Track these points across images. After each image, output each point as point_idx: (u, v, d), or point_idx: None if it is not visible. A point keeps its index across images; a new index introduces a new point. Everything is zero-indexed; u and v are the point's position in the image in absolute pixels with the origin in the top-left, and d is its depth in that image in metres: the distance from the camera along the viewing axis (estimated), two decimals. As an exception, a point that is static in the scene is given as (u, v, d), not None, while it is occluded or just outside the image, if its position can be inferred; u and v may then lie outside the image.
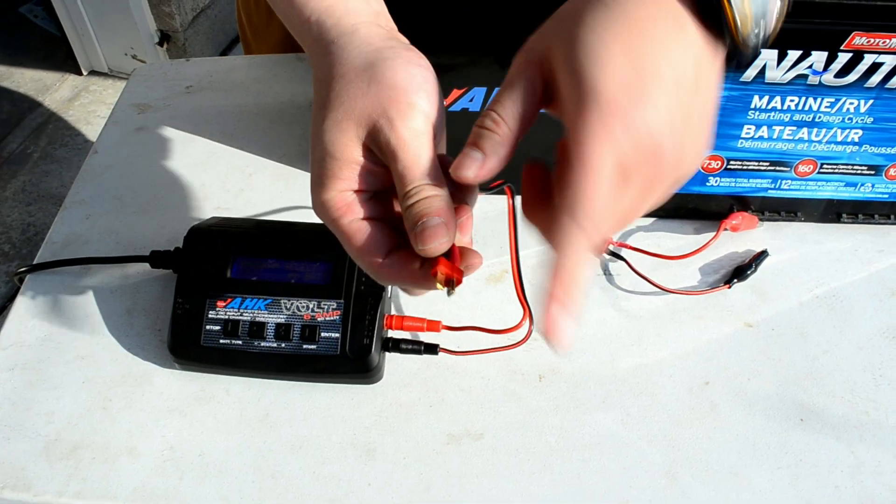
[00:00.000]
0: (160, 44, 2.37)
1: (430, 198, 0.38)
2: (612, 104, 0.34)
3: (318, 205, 0.41)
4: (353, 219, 0.40)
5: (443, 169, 0.40)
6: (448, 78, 0.66)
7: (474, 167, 0.38)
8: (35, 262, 0.69)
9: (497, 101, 0.39)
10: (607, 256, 0.70)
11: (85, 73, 2.54)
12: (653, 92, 0.34)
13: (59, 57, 2.57)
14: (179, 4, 2.30)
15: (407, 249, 0.41)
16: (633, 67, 0.34)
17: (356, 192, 0.41)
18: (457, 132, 0.71)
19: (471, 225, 0.42)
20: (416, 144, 0.39)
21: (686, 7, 0.36)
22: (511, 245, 0.53)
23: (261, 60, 0.94)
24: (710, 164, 0.68)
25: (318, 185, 0.40)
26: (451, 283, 0.39)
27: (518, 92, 0.39)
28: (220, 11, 2.52)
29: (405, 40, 0.44)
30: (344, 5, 0.44)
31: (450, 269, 0.39)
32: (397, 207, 0.42)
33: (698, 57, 0.36)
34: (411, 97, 0.39)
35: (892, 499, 0.54)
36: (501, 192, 0.45)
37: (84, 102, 2.44)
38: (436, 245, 0.38)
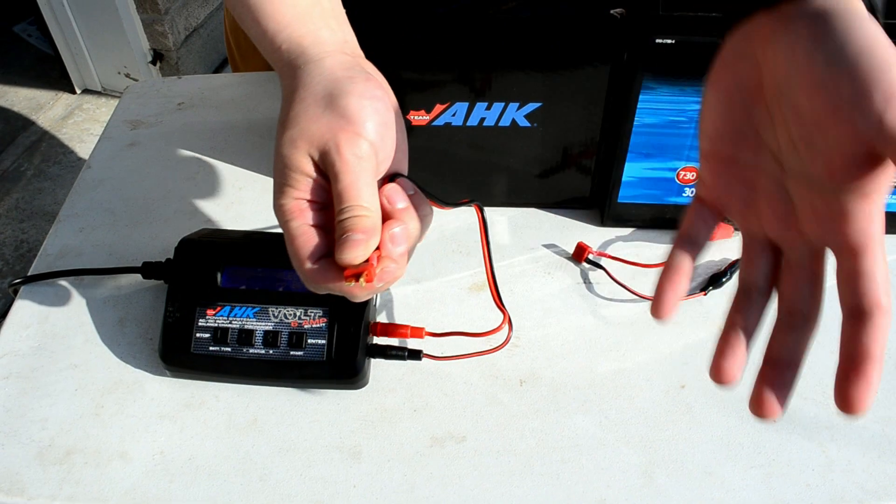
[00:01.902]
0: (153, 62, 2.39)
1: (358, 217, 0.43)
2: None
3: (276, 208, 0.46)
4: (301, 223, 0.45)
5: (403, 189, 0.47)
6: (432, 93, 0.69)
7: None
8: (29, 274, 0.70)
9: None
10: (587, 265, 0.72)
11: (78, 91, 2.56)
12: None
13: (53, 75, 2.59)
14: (172, 24, 2.33)
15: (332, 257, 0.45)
16: None
17: (308, 201, 0.45)
18: (441, 145, 0.73)
19: (404, 238, 0.46)
20: (356, 169, 0.44)
21: None
22: (484, 256, 0.56)
23: (251, 78, 0.96)
24: (686, 175, 0.71)
25: (278, 192, 0.46)
26: (358, 277, 0.43)
27: None
28: (212, 31, 2.55)
29: (370, 67, 0.49)
30: (313, 36, 0.49)
31: (359, 269, 0.43)
32: None
33: None
34: (358, 127, 0.44)
35: (862, 496, 0.56)
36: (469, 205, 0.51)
37: (77, 120, 2.46)
38: (351, 256, 0.43)
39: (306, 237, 0.45)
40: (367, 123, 0.45)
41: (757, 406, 0.36)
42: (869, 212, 0.32)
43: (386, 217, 0.46)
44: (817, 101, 0.33)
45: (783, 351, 0.36)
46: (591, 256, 0.72)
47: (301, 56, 0.48)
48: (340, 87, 0.46)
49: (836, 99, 0.32)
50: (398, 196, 0.46)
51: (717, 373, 0.39)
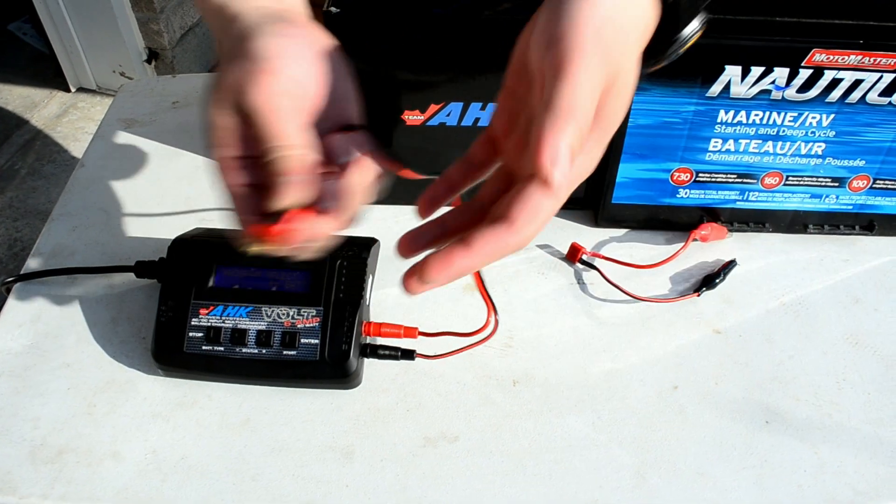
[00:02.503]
0: (148, 61, 2.39)
1: (281, 157, 0.41)
2: (595, 40, 0.36)
3: (214, 170, 0.44)
4: (239, 184, 0.44)
5: (353, 140, 0.44)
6: (427, 94, 0.69)
7: (563, 160, 0.36)
8: (22, 272, 0.70)
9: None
10: (581, 266, 0.72)
11: (73, 89, 2.55)
12: (627, 39, 0.38)
13: (48, 74, 2.58)
14: (168, 22, 2.32)
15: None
16: (603, 17, 0.37)
17: (238, 157, 0.43)
18: (435, 145, 0.73)
19: (344, 194, 0.43)
20: (272, 107, 0.41)
21: None
22: None
23: (246, 76, 0.96)
24: (680, 176, 0.71)
25: (214, 155, 0.44)
26: (248, 244, 0.43)
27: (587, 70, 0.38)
28: (208, 30, 2.55)
29: (298, 14, 0.46)
30: (251, 2, 0.45)
31: (263, 231, 0.42)
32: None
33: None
34: (269, 63, 0.41)
35: (854, 497, 0.56)
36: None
37: (72, 119, 2.45)
38: (280, 202, 0.41)
39: (243, 196, 0.44)
40: (280, 59, 0.42)
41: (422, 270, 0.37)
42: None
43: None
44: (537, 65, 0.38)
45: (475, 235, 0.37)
46: (584, 257, 0.72)
47: (228, 19, 0.45)
48: (250, 32, 0.43)
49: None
50: (343, 148, 0.44)
51: (402, 243, 0.41)
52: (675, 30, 0.42)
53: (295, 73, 0.42)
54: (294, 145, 0.41)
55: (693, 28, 0.43)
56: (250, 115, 0.41)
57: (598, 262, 0.71)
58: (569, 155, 0.35)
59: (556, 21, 0.38)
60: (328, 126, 0.44)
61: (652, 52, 0.42)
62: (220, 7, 0.45)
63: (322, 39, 0.45)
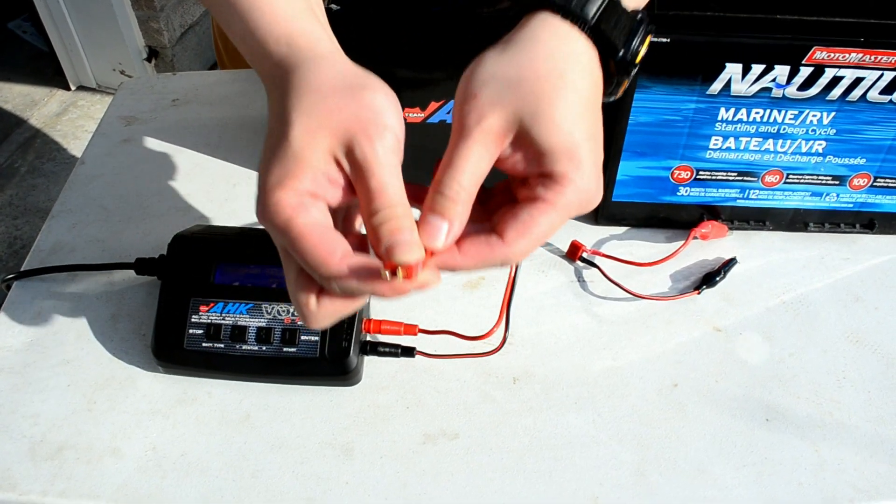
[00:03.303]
0: (148, 59, 2.39)
1: (402, 217, 0.39)
2: (581, 173, 0.40)
3: (272, 204, 0.39)
4: (309, 218, 0.39)
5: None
6: (426, 92, 0.69)
7: (442, 236, 0.40)
8: (22, 269, 0.70)
9: (454, 165, 0.41)
10: (581, 264, 0.72)
11: (73, 88, 2.55)
12: (597, 162, 0.41)
13: (48, 72, 2.58)
14: (168, 20, 2.33)
15: (362, 254, 0.41)
16: (591, 146, 0.41)
17: (309, 194, 0.40)
18: (434, 143, 0.73)
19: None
20: (390, 164, 0.40)
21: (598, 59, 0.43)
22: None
23: (245, 74, 0.96)
24: (680, 174, 0.71)
25: (275, 186, 0.39)
26: (395, 271, 0.39)
27: (478, 155, 0.41)
28: (207, 28, 2.55)
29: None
30: (319, 34, 0.45)
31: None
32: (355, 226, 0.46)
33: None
34: (387, 120, 0.40)
35: (854, 495, 0.56)
36: None
37: (72, 117, 2.45)
38: (408, 255, 0.39)
39: (322, 232, 0.39)
40: (394, 118, 0.41)
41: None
42: None
43: None
44: None
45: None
46: (585, 255, 0.72)
47: (307, 49, 0.43)
48: (362, 82, 0.42)
49: None
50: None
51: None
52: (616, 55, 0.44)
53: (400, 135, 0.41)
54: (408, 208, 0.40)
55: (633, 48, 0.44)
56: (362, 165, 0.40)
57: (598, 260, 0.71)
58: (448, 230, 0.40)
59: (474, 71, 0.42)
60: None
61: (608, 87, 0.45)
62: (294, 41, 0.44)
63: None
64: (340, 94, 0.41)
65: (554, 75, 0.41)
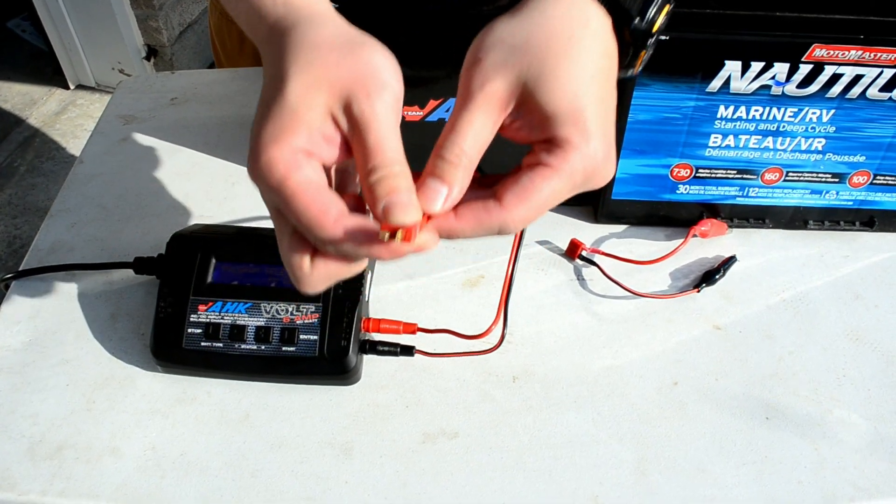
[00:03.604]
0: (147, 58, 2.39)
1: (399, 175, 0.38)
2: (587, 139, 0.39)
3: (265, 161, 0.38)
4: (303, 176, 0.38)
5: None
6: (426, 89, 0.68)
7: (440, 200, 0.39)
8: (21, 269, 0.70)
9: (457, 129, 0.40)
10: (580, 262, 0.72)
11: (72, 87, 2.55)
12: (606, 131, 0.40)
13: (47, 71, 2.58)
14: (167, 19, 2.32)
15: (358, 215, 0.39)
16: (599, 112, 0.39)
17: (304, 152, 0.39)
18: (434, 141, 0.73)
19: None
20: (388, 121, 0.39)
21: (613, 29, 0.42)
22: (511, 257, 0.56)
23: (244, 73, 0.96)
24: (679, 172, 0.71)
25: (269, 142, 0.38)
26: (395, 234, 0.37)
27: (480, 121, 0.40)
28: (206, 27, 2.54)
29: None
30: None
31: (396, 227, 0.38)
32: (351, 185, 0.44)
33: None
34: (386, 77, 0.40)
35: (854, 494, 0.56)
36: None
37: (71, 116, 2.45)
38: (405, 217, 0.37)
39: (317, 191, 0.38)
40: (393, 75, 0.40)
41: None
42: None
43: None
44: None
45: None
46: (584, 253, 0.72)
47: (305, 8, 0.42)
48: (360, 39, 0.41)
49: None
50: None
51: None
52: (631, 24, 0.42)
53: (396, 91, 0.40)
54: (405, 166, 0.39)
55: (649, 16, 0.42)
56: (360, 121, 0.38)
57: (597, 259, 0.71)
58: (447, 195, 0.39)
59: (483, 37, 0.42)
60: None
61: (624, 58, 0.43)
62: (290, 1, 0.43)
63: None
64: (339, 51, 0.40)
65: (563, 37, 0.39)
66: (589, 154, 0.39)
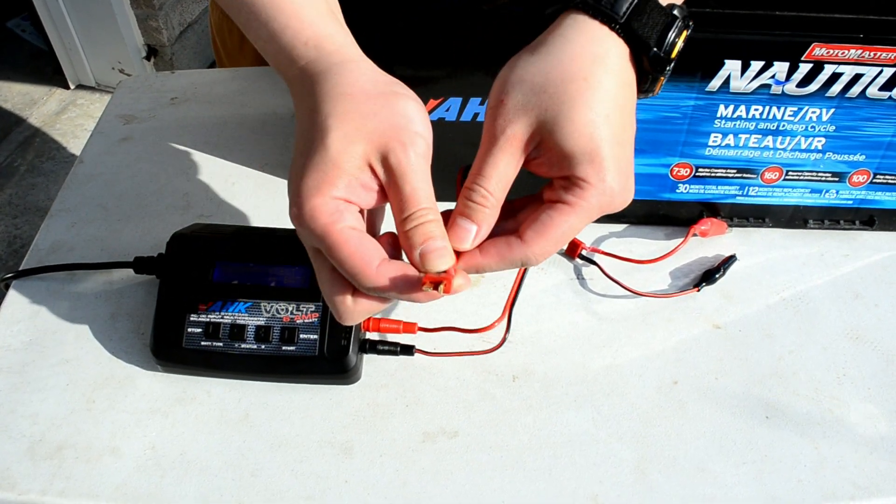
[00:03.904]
0: (147, 58, 2.39)
1: (433, 222, 0.42)
2: (602, 177, 0.42)
3: (308, 209, 0.41)
4: (345, 226, 0.41)
5: None
6: (426, 89, 0.68)
7: (470, 238, 0.43)
8: (21, 269, 0.70)
9: (482, 173, 0.43)
10: (580, 261, 0.72)
11: (72, 87, 2.55)
12: (623, 165, 0.43)
13: (47, 71, 2.58)
14: (167, 19, 2.32)
15: (398, 261, 0.43)
16: (615, 150, 0.42)
17: (344, 201, 0.42)
18: (434, 140, 0.73)
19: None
20: (422, 171, 0.42)
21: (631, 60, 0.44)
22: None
23: (244, 73, 0.96)
24: (679, 171, 0.70)
25: (313, 192, 0.41)
26: (437, 285, 0.41)
27: (504, 163, 0.43)
28: (206, 26, 2.54)
29: None
30: (344, 37, 0.47)
31: (439, 278, 0.41)
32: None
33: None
34: (418, 128, 0.42)
35: (854, 492, 0.56)
36: None
37: (71, 116, 2.45)
38: (439, 263, 0.41)
39: (359, 240, 0.41)
40: (423, 125, 0.43)
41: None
42: None
43: None
44: None
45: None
46: (584, 252, 0.72)
47: (336, 53, 0.45)
48: (393, 89, 0.43)
49: None
50: None
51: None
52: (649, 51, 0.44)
53: (428, 141, 0.43)
54: (439, 214, 0.42)
55: (669, 42, 0.44)
56: (396, 171, 0.41)
57: (597, 258, 0.71)
58: (476, 233, 0.43)
59: (506, 75, 0.44)
60: None
61: (643, 84, 0.46)
62: (322, 45, 0.45)
63: None
64: (374, 101, 0.42)
65: (579, 78, 0.41)
66: (605, 190, 0.42)
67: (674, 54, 0.44)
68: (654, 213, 0.74)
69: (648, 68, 0.44)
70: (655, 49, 0.43)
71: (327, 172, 0.41)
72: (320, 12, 0.47)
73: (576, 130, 0.41)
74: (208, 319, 0.60)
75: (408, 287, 0.41)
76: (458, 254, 0.43)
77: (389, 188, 0.42)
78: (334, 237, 0.41)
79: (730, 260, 0.71)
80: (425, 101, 0.69)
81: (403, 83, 0.45)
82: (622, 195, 0.42)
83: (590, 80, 0.41)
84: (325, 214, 0.41)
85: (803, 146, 0.68)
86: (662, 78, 0.45)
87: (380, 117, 0.42)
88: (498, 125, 0.43)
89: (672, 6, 0.44)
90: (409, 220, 0.41)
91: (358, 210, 0.43)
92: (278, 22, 0.46)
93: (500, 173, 0.43)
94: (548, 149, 0.42)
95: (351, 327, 0.59)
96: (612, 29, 0.43)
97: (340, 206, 0.41)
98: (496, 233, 0.44)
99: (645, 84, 0.45)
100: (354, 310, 0.44)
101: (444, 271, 0.42)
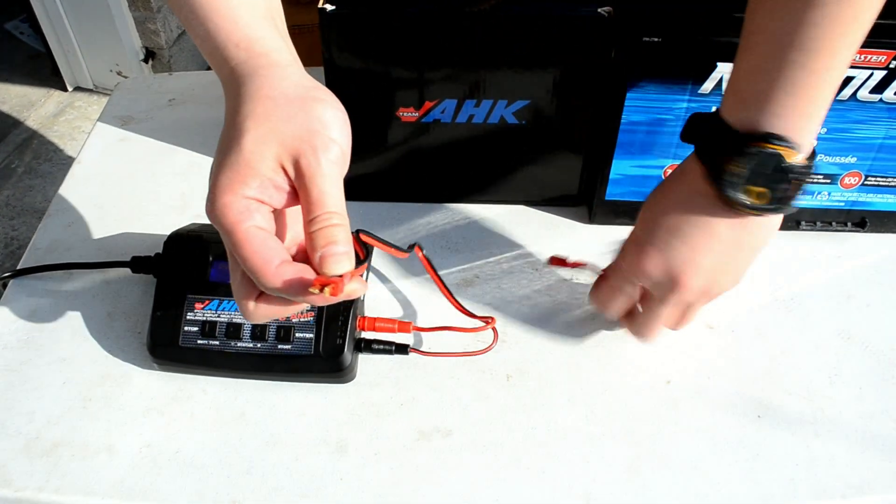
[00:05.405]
0: (145, 60, 2.39)
1: (338, 226, 0.42)
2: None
3: (219, 206, 0.42)
4: (252, 225, 0.42)
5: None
6: (421, 90, 0.69)
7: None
8: (18, 268, 0.70)
9: None
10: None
11: (70, 89, 2.55)
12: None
13: (45, 73, 2.59)
14: (165, 22, 2.33)
15: (299, 264, 0.44)
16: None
17: (255, 200, 0.43)
18: (429, 141, 0.73)
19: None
20: (332, 175, 0.43)
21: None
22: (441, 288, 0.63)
23: (242, 74, 0.96)
24: (673, 172, 0.71)
25: (225, 189, 0.42)
26: (324, 287, 0.42)
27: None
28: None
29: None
30: (276, 42, 0.47)
31: (329, 280, 0.42)
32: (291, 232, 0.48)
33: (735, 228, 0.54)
34: (333, 134, 0.43)
35: (845, 490, 0.56)
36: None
37: (69, 118, 2.45)
38: (339, 267, 0.42)
39: (261, 239, 0.42)
40: (340, 133, 0.44)
41: None
42: None
43: None
44: None
45: None
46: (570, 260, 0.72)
47: (264, 56, 0.46)
48: (313, 94, 0.45)
49: None
50: None
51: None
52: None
53: (343, 147, 0.44)
54: (345, 218, 0.43)
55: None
56: (306, 174, 0.42)
57: (591, 258, 0.72)
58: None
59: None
60: None
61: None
62: (252, 47, 0.46)
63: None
64: (292, 105, 0.43)
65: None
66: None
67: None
68: (648, 214, 0.75)
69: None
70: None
71: (239, 171, 0.42)
72: (255, 16, 0.47)
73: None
74: (205, 318, 0.61)
75: (301, 289, 0.42)
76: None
77: (300, 190, 0.43)
78: (239, 235, 0.42)
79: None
80: (420, 103, 0.69)
81: (334, 95, 0.46)
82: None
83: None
84: (234, 212, 0.42)
85: (796, 148, 0.69)
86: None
87: (296, 121, 0.43)
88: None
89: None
90: (314, 223, 0.42)
91: (270, 210, 0.44)
92: (213, 22, 0.46)
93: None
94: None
95: (346, 326, 0.59)
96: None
97: (251, 206, 0.42)
98: None
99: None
100: (256, 312, 0.46)
101: (340, 275, 0.42)
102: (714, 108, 0.51)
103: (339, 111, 0.45)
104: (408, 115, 0.70)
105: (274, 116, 0.43)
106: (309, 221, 0.43)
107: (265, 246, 0.42)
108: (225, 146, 0.43)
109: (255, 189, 0.42)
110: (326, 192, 0.43)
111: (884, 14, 0.61)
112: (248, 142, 0.42)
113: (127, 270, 0.69)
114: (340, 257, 0.42)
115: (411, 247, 0.61)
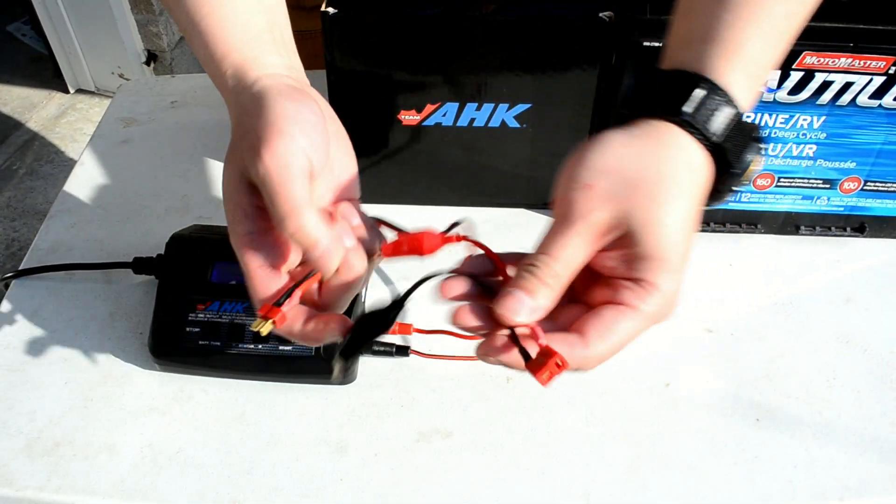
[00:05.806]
0: (147, 63, 2.39)
1: (304, 227, 0.40)
2: (673, 285, 0.39)
3: (232, 243, 0.43)
4: (250, 259, 0.42)
5: (366, 224, 0.46)
6: (422, 94, 0.69)
7: (524, 313, 0.40)
8: (21, 268, 0.71)
9: (551, 252, 0.40)
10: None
11: (72, 91, 2.56)
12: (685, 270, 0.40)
13: (47, 75, 2.59)
14: (167, 24, 2.33)
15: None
16: (686, 257, 0.40)
17: (254, 233, 0.43)
18: (430, 145, 0.74)
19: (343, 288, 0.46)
20: (282, 172, 0.40)
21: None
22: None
23: (244, 77, 0.97)
24: (673, 176, 0.71)
25: (230, 230, 0.43)
26: (263, 322, 0.42)
27: (577, 246, 0.40)
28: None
29: (313, 92, 0.46)
30: (261, 60, 0.45)
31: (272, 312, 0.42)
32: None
33: None
34: (282, 126, 0.40)
35: (844, 493, 0.56)
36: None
37: (70, 120, 2.45)
38: (329, 265, 0.42)
39: (260, 277, 0.43)
40: (292, 123, 0.41)
41: None
42: None
43: None
44: None
45: None
46: None
47: (244, 79, 0.44)
48: (266, 96, 0.42)
49: None
50: (345, 232, 0.44)
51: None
52: (729, 168, 0.42)
53: (304, 141, 0.41)
54: (306, 215, 0.40)
55: (745, 163, 0.42)
56: (259, 182, 0.40)
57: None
58: (532, 310, 0.39)
59: (594, 155, 0.41)
60: (329, 198, 0.46)
61: (713, 195, 0.43)
62: (238, 73, 0.45)
63: (331, 116, 0.46)
64: (245, 118, 0.42)
65: (671, 182, 0.39)
66: (669, 294, 0.39)
67: (745, 174, 0.43)
68: (647, 217, 0.75)
69: (719, 180, 0.42)
70: (735, 170, 0.42)
71: (230, 213, 0.43)
72: (247, 37, 0.46)
73: (664, 237, 0.38)
74: (206, 319, 0.61)
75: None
76: (514, 333, 0.40)
77: (269, 209, 0.41)
78: (248, 272, 0.43)
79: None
80: (422, 106, 0.70)
81: (313, 96, 0.45)
82: (677, 298, 0.40)
83: (682, 186, 0.40)
84: (237, 248, 0.43)
85: (795, 153, 0.69)
86: (728, 192, 0.44)
87: (247, 134, 0.41)
88: (579, 206, 0.39)
89: (754, 128, 0.43)
90: (283, 229, 0.41)
91: (268, 236, 0.43)
92: (209, 48, 0.46)
93: (570, 256, 0.40)
94: (627, 245, 0.39)
95: (347, 327, 0.60)
96: (706, 147, 0.41)
97: (252, 240, 0.43)
98: (550, 332, 0.40)
99: (712, 196, 0.44)
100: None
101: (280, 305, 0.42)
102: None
103: (296, 103, 0.42)
104: (409, 118, 0.71)
105: (234, 139, 0.43)
106: (280, 229, 0.42)
107: (262, 286, 0.43)
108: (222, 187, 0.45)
109: (249, 225, 0.43)
110: (277, 192, 0.40)
111: (883, 20, 0.61)
112: (224, 183, 0.44)
113: (129, 271, 0.69)
114: (330, 259, 0.43)
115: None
